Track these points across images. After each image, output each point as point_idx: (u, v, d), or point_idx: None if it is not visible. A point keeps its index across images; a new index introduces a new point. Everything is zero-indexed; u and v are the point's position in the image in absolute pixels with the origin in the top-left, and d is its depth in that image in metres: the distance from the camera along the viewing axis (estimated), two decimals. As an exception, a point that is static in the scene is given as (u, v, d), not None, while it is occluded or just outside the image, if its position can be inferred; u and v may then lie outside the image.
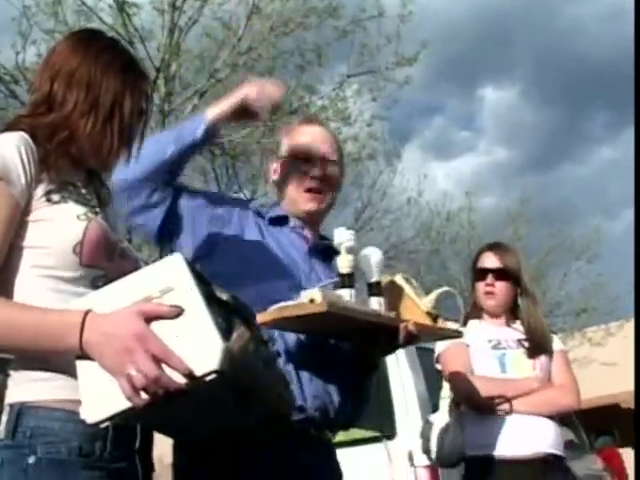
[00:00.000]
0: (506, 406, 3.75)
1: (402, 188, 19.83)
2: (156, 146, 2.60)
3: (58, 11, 12.06)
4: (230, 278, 2.18)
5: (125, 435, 1.93)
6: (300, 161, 2.84)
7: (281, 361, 2.43)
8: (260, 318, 2.28)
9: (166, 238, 2.69)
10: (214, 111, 2.69)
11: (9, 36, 12.25)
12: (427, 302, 2.66)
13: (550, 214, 23.15)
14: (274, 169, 2.96)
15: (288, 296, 2.39)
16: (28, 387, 1.90)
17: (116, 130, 2.10)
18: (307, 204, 2.83)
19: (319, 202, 2.85)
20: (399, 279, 2.71)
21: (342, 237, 2.55)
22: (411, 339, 2.53)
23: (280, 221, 2.85)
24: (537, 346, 3.96)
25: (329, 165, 2.86)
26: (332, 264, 2.84)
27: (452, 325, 2.91)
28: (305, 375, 2.55)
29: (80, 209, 2.01)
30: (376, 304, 2.56)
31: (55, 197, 2.00)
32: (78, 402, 1.78)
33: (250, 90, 2.67)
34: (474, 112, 49.96)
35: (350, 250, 2.53)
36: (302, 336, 2.57)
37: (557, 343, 4.12)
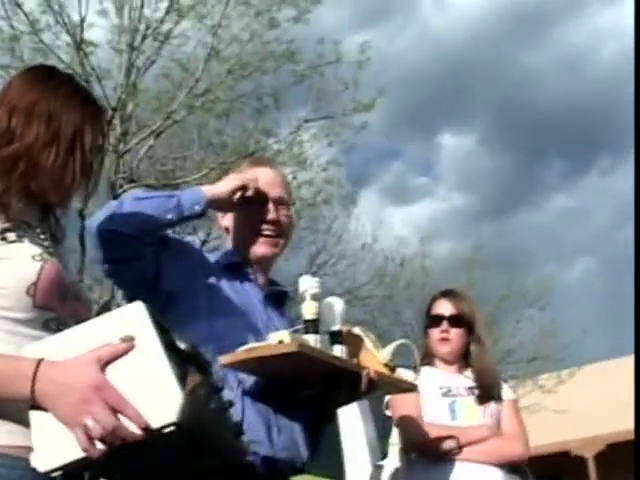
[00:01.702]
0: (463, 454, 3.72)
1: (357, 233, 19.98)
2: (154, 209, 2.57)
3: (15, 47, 12.01)
4: (194, 329, 2.23)
5: None
6: (254, 205, 2.81)
7: (245, 409, 2.44)
8: (229, 359, 2.32)
9: (142, 287, 2.62)
10: (212, 190, 2.69)
11: (-35, 71, 12.19)
12: (385, 354, 2.69)
13: (504, 261, 23.32)
14: (225, 214, 2.94)
15: (251, 341, 2.39)
16: None
17: (78, 163, 2.06)
18: (262, 248, 2.82)
19: (273, 246, 2.84)
20: (358, 330, 2.74)
21: (308, 284, 2.56)
22: (371, 388, 2.53)
23: (234, 268, 2.81)
24: (487, 393, 3.96)
25: (282, 208, 2.85)
26: (284, 310, 2.87)
27: (407, 373, 2.94)
28: (274, 426, 2.53)
29: (35, 249, 1.97)
30: (339, 352, 2.57)
31: (10, 236, 1.96)
32: (26, 448, 1.75)
33: (247, 177, 2.76)
34: (433, 158, 50.45)
35: (315, 297, 2.54)
36: (268, 385, 2.55)
37: (507, 391, 4.11)
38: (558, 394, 22.44)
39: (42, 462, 1.68)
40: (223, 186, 2.71)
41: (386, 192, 40.75)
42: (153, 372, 1.67)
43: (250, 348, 2.34)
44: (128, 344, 1.69)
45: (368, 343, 2.70)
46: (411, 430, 3.83)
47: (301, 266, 16.01)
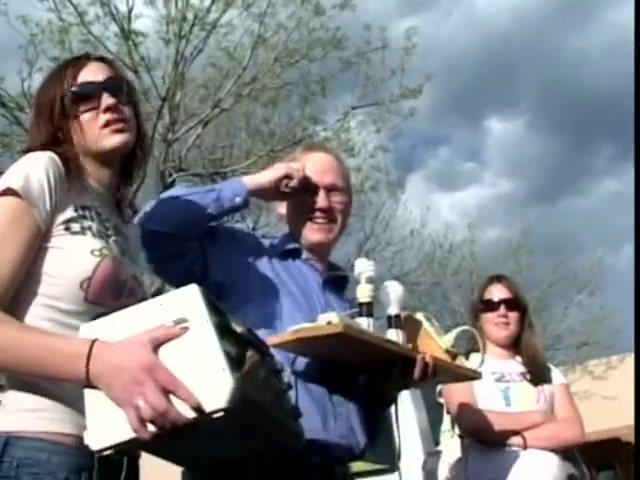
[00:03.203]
0: (519, 440, 3.72)
1: (405, 220, 19.89)
2: (193, 204, 2.55)
3: (64, 39, 12.12)
4: (248, 314, 2.22)
5: (111, 467, 1.89)
6: (307, 192, 2.81)
7: (300, 395, 2.40)
8: (276, 340, 2.30)
9: (190, 281, 2.60)
10: (253, 180, 2.69)
11: (15, 63, 12.36)
12: (447, 340, 2.65)
13: (553, 246, 23.17)
14: (281, 202, 2.94)
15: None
16: (17, 417, 1.87)
17: (61, 119, 2.12)
18: (315, 235, 2.80)
19: (327, 233, 2.82)
20: (420, 315, 2.70)
21: (362, 267, 2.55)
22: (427, 373, 2.48)
23: (292, 254, 2.82)
24: (539, 377, 3.96)
25: (334, 194, 2.83)
26: (345, 294, 2.86)
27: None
28: (330, 413, 2.52)
29: (96, 243, 1.99)
30: (394, 336, 2.53)
31: (74, 227, 1.98)
32: (65, 435, 1.80)
33: (294, 167, 2.74)
34: (479, 144, 50.07)
35: (370, 280, 2.53)
36: (320, 368, 2.54)
37: (559, 376, 4.11)
38: (608, 380, 22.24)
39: (94, 441, 1.70)
40: (266, 176, 2.70)
41: (433, 178, 40.61)
42: (205, 356, 1.67)
43: (298, 329, 2.32)
44: (181, 327, 1.71)
45: (429, 328, 2.66)
46: (466, 417, 3.84)
47: (349, 253, 15.94)
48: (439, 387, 4.04)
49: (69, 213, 1.99)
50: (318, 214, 2.80)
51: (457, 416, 3.91)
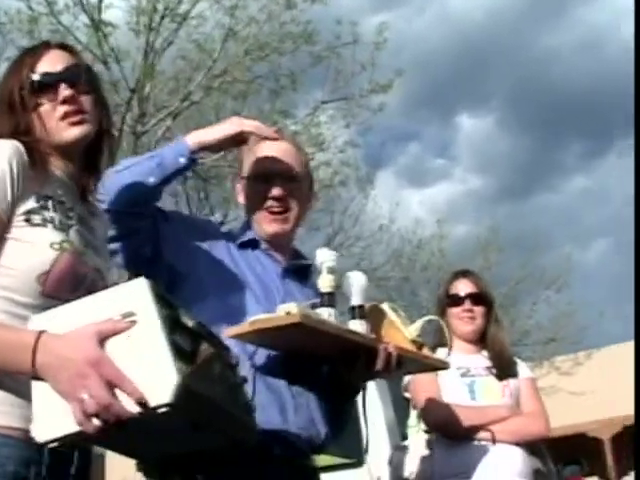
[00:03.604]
0: (487, 435, 3.73)
1: (374, 215, 19.94)
2: (136, 175, 2.45)
3: (34, 29, 12.02)
4: (204, 306, 2.20)
5: (61, 461, 1.90)
6: (259, 181, 2.75)
7: (258, 388, 2.35)
8: (233, 331, 2.27)
9: (141, 264, 2.53)
10: (198, 138, 2.56)
11: (-17, 52, 12.22)
12: (413, 330, 2.60)
13: (521, 243, 23.29)
14: (239, 190, 2.89)
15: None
16: None
17: (20, 110, 2.09)
18: (270, 226, 2.73)
19: (282, 223, 2.74)
20: (385, 306, 2.66)
21: (324, 257, 2.50)
22: (391, 363, 2.43)
23: (250, 244, 2.76)
24: (505, 371, 3.97)
25: (289, 183, 2.74)
26: (308, 284, 2.80)
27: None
28: (289, 405, 2.49)
29: (56, 236, 1.97)
30: (357, 326, 2.47)
31: (35, 218, 1.97)
32: (14, 429, 1.80)
33: (248, 123, 2.60)
34: (449, 140, 50.36)
35: (331, 270, 2.48)
36: (280, 361, 2.50)
37: (525, 370, 4.12)
38: (575, 376, 22.43)
39: (40, 432, 1.69)
40: (213, 133, 2.57)
41: (403, 174, 40.76)
42: (151, 350, 1.67)
43: (255, 320, 2.28)
44: (129, 320, 1.70)
45: (395, 318, 2.61)
46: (432, 411, 3.83)
47: (317, 248, 15.95)
48: (405, 380, 4.04)
49: (30, 204, 1.97)
50: (272, 203, 2.72)
51: (422, 411, 3.91)
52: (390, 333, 2.58)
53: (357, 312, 2.51)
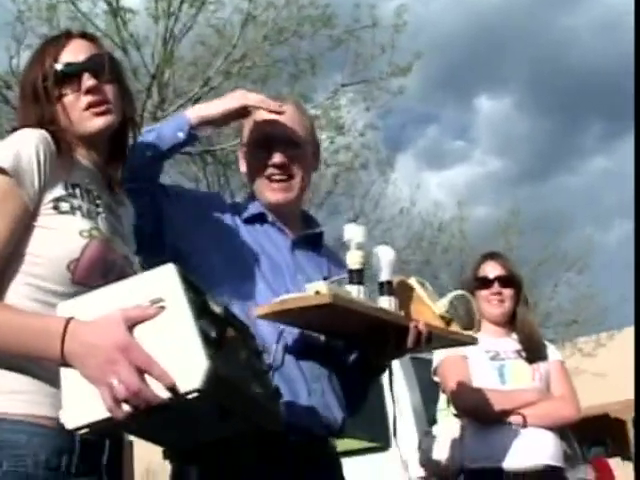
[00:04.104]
0: (518, 419, 3.71)
1: (395, 198, 19.95)
2: (134, 150, 2.34)
3: (52, 17, 12.02)
4: (210, 285, 2.11)
5: (92, 450, 1.90)
6: (260, 148, 2.64)
7: (277, 375, 2.30)
8: (262, 310, 2.24)
9: (143, 241, 2.39)
10: (199, 112, 2.53)
11: (3, 40, 12.27)
12: (441, 305, 2.55)
13: (542, 225, 23.21)
14: (240, 158, 2.78)
15: (274, 296, 2.32)
16: None
17: (45, 101, 2.08)
18: (273, 195, 2.62)
19: (285, 191, 2.62)
20: (412, 280, 2.60)
21: (352, 233, 2.39)
22: (420, 341, 2.38)
23: (258, 218, 2.65)
24: (535, 354, 3.95)
25: (291, 149, 2.62)
26: (321, 252, 2.74)
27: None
28: (302, 392, 2.43)
29: (85, 224, 1.96)
30: (386, 303, 2.41)
31: (64, 206, 1.96)
32: (45, 418, 1.79)
33: (251, 97, 2.54)
34: (469, 122, 50.22)
35: (360, 246, 2.38)
36: (305, 341, 2.46)
37: (554, 353, 4.10)
38: (597, 357, 22.39)
39: (70, 419, 1.69)
40: (216, 107, 2.53)
41: (422, 156, 40.74)
42: (180, 336, 1.67)
43: (284, 299, 2.23)
44: (157, 306, 1.70)
45: (422, 293, 2.55)
46: (461, 396, 3.82)
47: (338, 232, 15.95)
48: (435, 364, 4.03)
49: (58, 191, 1.97)
50: (274, 171, 2.61)
51: (452, 395, 3.90)
52: (418, 308, 2.54)
53: (386, 288, 2.45)
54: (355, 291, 2.32)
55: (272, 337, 2.38)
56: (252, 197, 2.72)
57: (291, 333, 2.44)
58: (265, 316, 2.26)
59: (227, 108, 2.51)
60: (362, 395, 2.69)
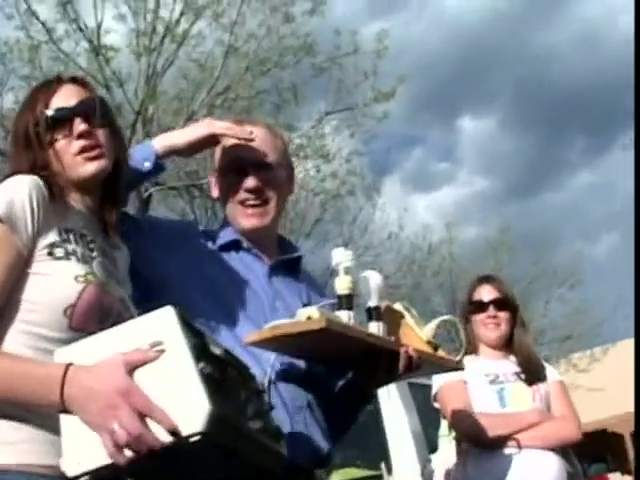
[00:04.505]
0: (513, 443, 3.70)
1: (383, 223, 19.99)
2: None
3: (34, 57, 12.07)
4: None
5: None
6: (232, 173, 2.56)
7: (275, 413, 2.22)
8: (253, 337, 2.16)
9: None
10: (166, 141, 2.49)
11: (-15, 84, 12.29)
12: (427, 331, 2.50)
13: (531, 241, 23.31)
14: (213, 183, 2.69)
15: (254, 328, 2.26)
16: None
17: (37, 146, 2.07)
18: (248, 221, 2.55)
19: (261, 216, 2.55)
20: (399, 306, 2.54)
21: (340, 257, 2.34)
22: (411, 367, 2.33)
23: (233, 246, 2.58)
24: (534, 376, 3.93)
25: (264, 172, 2.54)
26: (300, 277, 2.68)
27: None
28: (285, 425, 2.31)
29: (80, 269, 1.95)
30: (375, 329, 2.35)
31: (58, 252, 1.95)
32: (47, 467, 1.77)
33: (218, 125, 2.49)
34: (453, 143, 50.50)
35: (348, 271, 2.32)
36: (287, 370, 2.40)
37: (554, 374, 4.09)
38: (592, 372, 22.41)
39: (70, 467, 1.67)
40: (181, 136, 2.49)
41: (408, 179, 40.87)
42: (181, 379, 1.65)
43: (275, 325, 2.14)
44: (157, 350, 1.68)
45: (409, 319, 2.49)
46: (462, 421, 3.79)
47: (328, 260, 15.98)
48: (434, 390, 4.02)
49: (52, 237, 1.96)
50: (248, 196, 2.53)
51: (452, 420, 3.88)
52: (406, 333, 2.49)
53: (374, 314, 2.40)
54: (345, 316, 2.27)
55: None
56: (226, 223, 2.65)
57: (271, 363, 2.37)
58: (255, 343, 2.18)
59: (194, 137, 2.48)
60: (348, 423, 2.64)
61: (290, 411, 2.38)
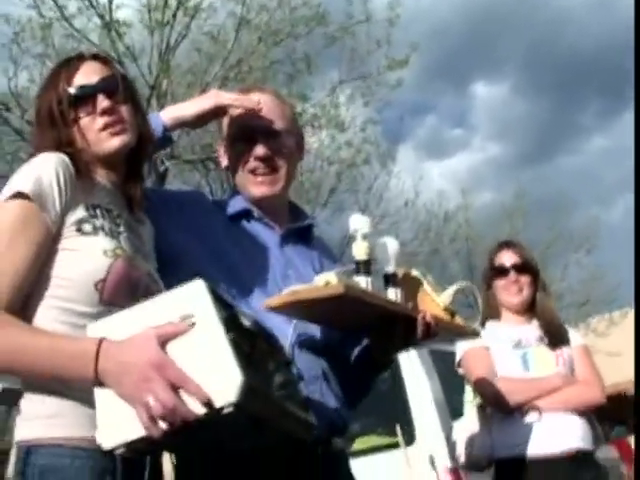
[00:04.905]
0: (537, 408, 3.73)
1: (398, 191, 19.91)
2: None
3: (47, 36, 12.05)
4: None
5: (134, 467, 1.90)
6: (242, 142, 2.54)
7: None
8: (271, 302, 2.13)
9: None
10: (173, 113, 2.50)
11: (0, 63, 12.30)
12: (445, 297, 2.48)
13: (546, 206, 23.20)
14: (222, 152, 2.69)
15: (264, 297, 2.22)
16: (34, 425, 1.87)
17: (61, 124, 2.10)
18: (257, 189, 2.54)
19: (271, 184, 2.54)
20: (416, 272, 2.53)
21: (358, 224, 2.31)
22: (428, 333, 2.30)
23: (243, 215, 2.56)
24: (557, 339, 3.96)
25: (273, 139, 2.53)
26: (312, 245, 2.67)
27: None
28: (304, 392, 2.30)
29: (109, 243, 1.98)
30: (392, 295, 2.34)
31: (86, 227, 1.97)
32: (84, 439, 1.80)
33: (225, 96, 2.51)
34: (466, 109, 50.23)
35: (366, 237, 2.30)
36: (303, 339, 2.39)
37: (577, 338, 4.11)
38: (611, 336, 22.35)
39: (106, 439, 1.70)
40: (189, 107, 2.50)
41: (423, 147, 40.71)
42: (212, 351, 1.67)
43: (293, 291, 2.12)
44: (188, 323, 1.70)
45: (426, 286, 2.49)
46: (486, 387, 3.82)
47: (344, 229, 15.97)
48: (458, 357, 4.04)
49: (80, 213, 1.98)
50: (258, 164, 2.52)
51: (477, 386, 3.90)
52: (423, 300, 2.47)
53: (391, 280, 2.38)
54: (363, 282, 2.25)
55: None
56: (236, 192, 2.64)
57: (289, 335, 2.35)
58: (274, 308, 2.15)
59: (201, 108, 2.48)
60: (364, 391, 2.64)
61: (306, 381, 2.36)
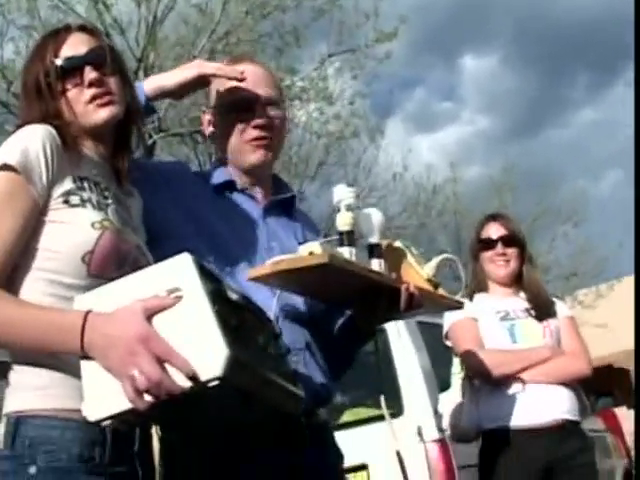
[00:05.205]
0: (524, 379, 3.76)
1: (387, 164, 19.87)
2: None
3: (33, 7, 11.97)
4: None
5: (123, 439, 1.91)
6: (239, 110, 2.52)
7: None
8: (254, 273, 2.13)
9: None
10: (156, 83, 2.47)
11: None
12: (428, 269, 2.46)
13: (535, 180, 23.22)
14: (208, 121, 2.64)
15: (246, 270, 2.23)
16: (25, 396, 1.88)
17: (48, 96, 2.08)
18: (254, 155, 2.52)
19: (266, 151, 2.53)
20: (399, 244, 2.50)
21: (341, 194, 2.31)
22: (412, 304, 2.30)
23: (226, 187, 2.56)
24: (543, 312, 3.99)
25: (271, 108, 2.54)
26: (294, 217, 2.66)
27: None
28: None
29: (96, 215, 1.97)
30: (376, 266, 2.33)
31: (73, 199, 1.96)
32: (74, 411, 1.78)
33: (209, 65, 2.49)
34: (455, 82, 50.14)
35: (350, 207, 2.29)
36: (286, 310, 2.38)
37: (564, 309, 4.15)
38: (598, 309, 22.45)
39: (92, 412, 1.71)
40: (172, 77, 2.47)
41: (411, 120, 40.61)
42: (198, 325, 1.67)
43: (277, 261, 2.10)
44: (174, 296, 1.71)
45: (410, 257, 2.46)
46: (473, 358, 3.85)
47: (332, 203, 15.97)
48: (445, 329, 4.07)
49: (67, 185, 1.97)
50: (257, 132, 2.50)
51: (464, 358, 3.93)
52: (406, 271, 2.46)
53: (375, 251, 2.38)
54: (347, 253, 2.24)
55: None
56: (219, 164, 2.64)
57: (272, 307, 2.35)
58: (257, 279, 2.14)
59: (183, 78, 2.45)
60: (347, 362, 2.65)
61: (307, 357, 2.39)
